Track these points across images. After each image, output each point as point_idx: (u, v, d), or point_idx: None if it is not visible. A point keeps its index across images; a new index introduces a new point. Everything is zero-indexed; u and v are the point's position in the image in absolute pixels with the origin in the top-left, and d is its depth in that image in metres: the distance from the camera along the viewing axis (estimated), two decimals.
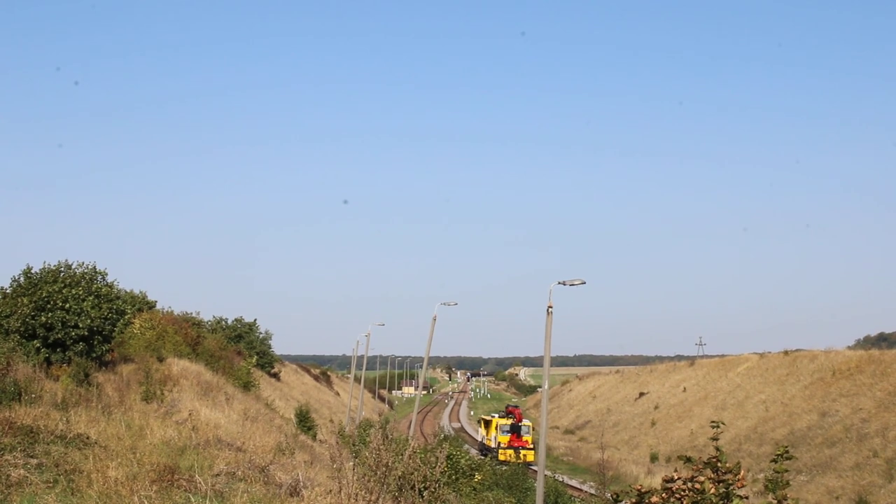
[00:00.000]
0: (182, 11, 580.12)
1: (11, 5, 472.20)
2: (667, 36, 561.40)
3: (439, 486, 13.82)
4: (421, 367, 69.65)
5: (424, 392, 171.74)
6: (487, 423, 73.64)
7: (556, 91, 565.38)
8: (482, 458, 47.39)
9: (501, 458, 63.13)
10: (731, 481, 8.00)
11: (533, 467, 52.45)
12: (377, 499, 11.58)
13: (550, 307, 31.44)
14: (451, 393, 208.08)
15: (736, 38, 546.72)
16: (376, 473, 12.36)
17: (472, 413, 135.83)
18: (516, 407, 77.03)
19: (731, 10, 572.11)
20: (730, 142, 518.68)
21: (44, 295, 27.35)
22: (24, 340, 26.69)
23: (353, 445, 29.17)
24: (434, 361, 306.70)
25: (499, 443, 67.82)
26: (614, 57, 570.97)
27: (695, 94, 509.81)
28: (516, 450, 66.35)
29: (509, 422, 69.18)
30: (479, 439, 76.45)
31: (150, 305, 50.12)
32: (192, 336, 47.48)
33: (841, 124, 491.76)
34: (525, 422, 70.39)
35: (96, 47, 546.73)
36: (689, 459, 8.68)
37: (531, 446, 66.64)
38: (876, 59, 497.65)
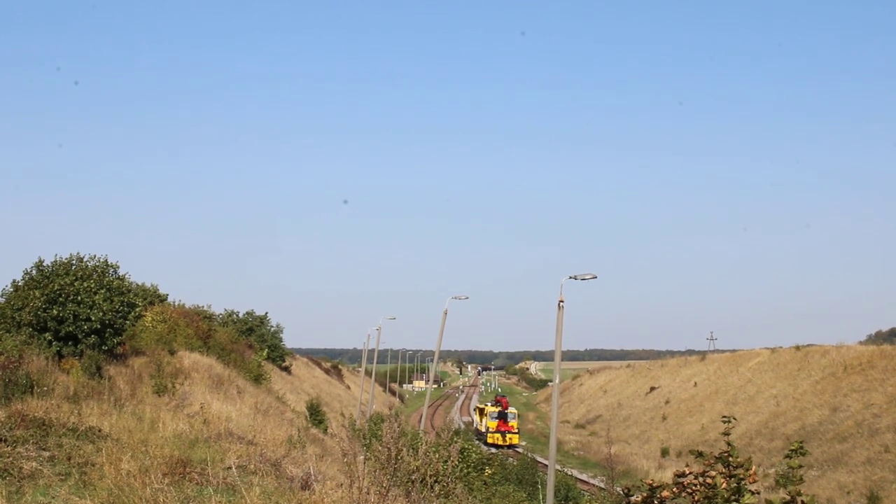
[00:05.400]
0: (182, 7, 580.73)
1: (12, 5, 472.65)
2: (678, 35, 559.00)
3: (451, 480, 13.82)
4: (432, 361, 73.91)
5: (435, 386, 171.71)
6: (482, 412, 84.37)
7: (560, 88, 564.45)
8: (492, 452, 47.90)
9: (490, 440, 74.07)
10: (742, 476, 7.96)
11: (542, 461, 52.58)
12: (388, 493, 11.58)
13: (562, 301, 31.39)
14: (461, 387, 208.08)
15: (740, 37, 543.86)
16: (388, 467, 12.37)
17: None
18: (504, 397, 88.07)
19: (733, 9, 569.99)
20: (739, 136, 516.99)
21: (55, 288, 27.39)
22: (35, 333, 26.75)
23: (364, 439, 29.23)
24: (445, 355, 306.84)
25: (488, 427, 77.58)
26: (617, 55, 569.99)
27: (696, 92, 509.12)
28: (503, 433, 76.64)
29: (497, 409, 78.93)
30: (475, 426, 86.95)
31: (162, 298, 50.10)
32: (203, 329, 47.50)
33: (839, 120, 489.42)
34: (511, 409, 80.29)
35: (99, 42, 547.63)
36: (700, 454, 8.63)
37: (516, 431, 78.06)
38: (879, 56, 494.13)
